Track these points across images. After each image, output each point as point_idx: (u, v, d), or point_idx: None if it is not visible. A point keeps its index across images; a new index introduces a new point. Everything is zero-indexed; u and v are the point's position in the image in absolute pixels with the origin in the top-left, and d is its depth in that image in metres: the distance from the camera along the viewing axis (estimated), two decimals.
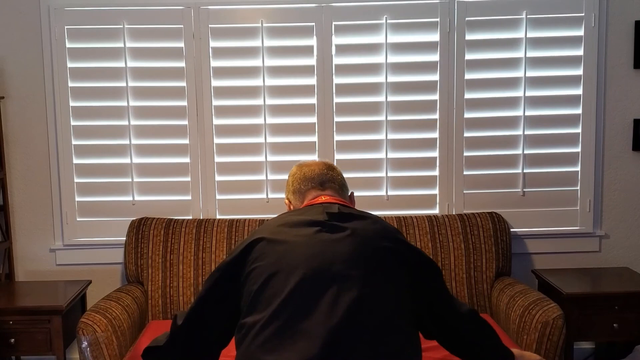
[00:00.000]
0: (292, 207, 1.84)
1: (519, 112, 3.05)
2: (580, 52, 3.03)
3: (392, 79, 3.02)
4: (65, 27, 2.99)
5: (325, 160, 1.93)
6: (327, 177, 1.83)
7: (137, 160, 3.06)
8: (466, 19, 3.00)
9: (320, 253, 1.52)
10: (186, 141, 3.05)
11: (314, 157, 3.05)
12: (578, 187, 3.10)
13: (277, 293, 1.47)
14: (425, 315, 1.62)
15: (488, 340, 1.69)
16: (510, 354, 1.70)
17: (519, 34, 3.02)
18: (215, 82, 3.03)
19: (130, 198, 3.07)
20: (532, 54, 3.02)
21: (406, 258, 1.58)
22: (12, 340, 2.62)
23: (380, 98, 3.03)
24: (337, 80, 3.02)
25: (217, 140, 3.06)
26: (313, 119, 3.04)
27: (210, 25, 3.00)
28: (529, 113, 3.05)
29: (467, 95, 3.04)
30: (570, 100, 3.06)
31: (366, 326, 1.43)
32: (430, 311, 1.62)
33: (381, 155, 3.05)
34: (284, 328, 1.42)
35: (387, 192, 3.07)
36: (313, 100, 3.03)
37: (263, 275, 1.51)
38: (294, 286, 1.46)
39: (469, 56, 3.02)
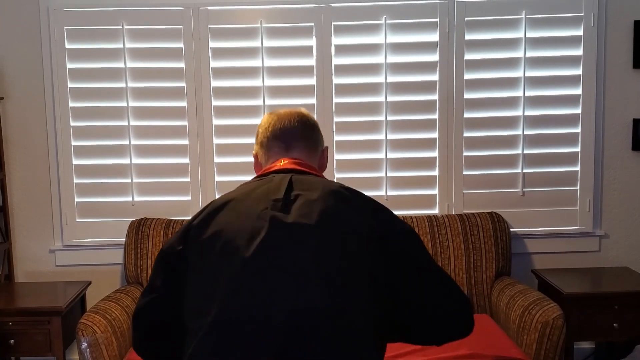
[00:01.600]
0: (258, 161, 1.68)
1: (518, 112, 3.05)
2: (579, 52, 3.03)
3: (392, 79, 3.02)
4: (65, 27, 2.99)
5: (299, 109, 1.70)
6: (297, 133, 1.62)
7: (136, 160, 3.05)
8: (465, 19, 3.00)
9: (266, 256, 1.32)
10: (186, 142, 3.05)
11: None
12: (578, 187, 3.10)
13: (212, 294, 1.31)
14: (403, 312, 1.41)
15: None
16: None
17: (519, 34, 3.02)
18: (215, 83, 3.03)
19: (129, 199, 3.07)
20: (531, 54, 3.02)
21: (369, 244, 1.37)
22: (12, 341, 2.62)
23: (380, 98, 3.03)
24: (337, 80, 3.02)
25: (216, 141, 3.06)
26: None
27: (209, 26, 3.00)
28: (528, 113, 3.05)
29: (467, 95, 3.04)
30: (570, 100, 3.06)
31: None
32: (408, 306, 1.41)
33: (381, 155, 3.05)
34: None
35: (386, 192, 3.07)
36: (312, 101, 3.03)
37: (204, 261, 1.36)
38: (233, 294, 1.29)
39: (468, 56, 3.02)
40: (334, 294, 1.29)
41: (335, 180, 1.62)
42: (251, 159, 3.23)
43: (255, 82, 3.02)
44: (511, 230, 3.02)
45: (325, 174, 1.68)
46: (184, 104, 3.04)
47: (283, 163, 1.59)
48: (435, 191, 3.09)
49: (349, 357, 1.28)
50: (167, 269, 1.45)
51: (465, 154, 3.07)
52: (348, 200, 1.44)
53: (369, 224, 1.40)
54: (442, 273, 1.47)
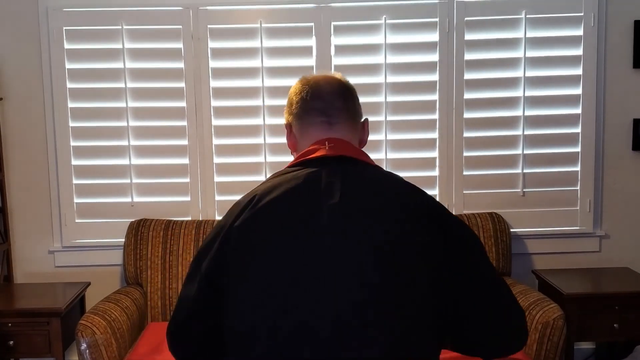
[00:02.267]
0: (293, 134, 1.47)
1: (518, 112, 3.04)
2: (579, 51, 3.02)
3: (392, 79, 3.02)
4: (64, 28, 2.98)
5: (337, 76, 1.52)
6: (339, 103, 1.44)
7: (135, 161, 3.05)
8: (465, 18, 3.00)
9: (313, 248, 1.23)
10: (185, 142, 3.05)
11: None
12: (578, 187, 3.09)
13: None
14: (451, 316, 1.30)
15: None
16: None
17: (519, 33, 3.02)
18: (214, 83, 3.02)
19: (129, 199, 3.06)
20: (531, 53, 3.02)
21: (423, 246, 1.25)
22: (11, 342, 2.61)
23: (380, 98, 3.02)
24: None
25: (216, 141, 3.05)
26: None
27: (209, 26, 2.99)
28: (528, 113, 3.04)
29: (467, 96, 3.04)
30: (570, 100, 3.05)
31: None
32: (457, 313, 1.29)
33: (381, 155, 3.05)
34: None
35: None
36: None
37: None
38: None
39: (468, 56, 3.02)
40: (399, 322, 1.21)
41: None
42: (251, 159, 3.23)
43: (255, 83, 3.01)
44: (511, 230, 3.02)
45: None
46: (183, 104, 3.03)
47: (328, 148, 1.38)
48: (436, 191, 3.09)
49: (410, 348, 1.21)
50: (207, 279, 1.30)
51: (465, 154, 3.07)
52: (413, 209, 1.29)
53: (434, 231, 1.27)
54: (502, 284, 1.34)
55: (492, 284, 1.32)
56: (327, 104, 1.43)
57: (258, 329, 1.22)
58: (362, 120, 1.53)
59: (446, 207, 1.37)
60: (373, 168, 1.42)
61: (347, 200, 1.27)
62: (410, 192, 1.33)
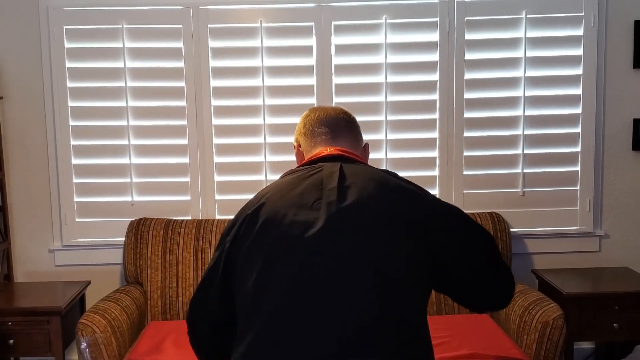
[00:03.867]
0: (300, 150, 1.70)
1: (518, 112, 3.04)
2: (579, 51, 3.02)
3: (392, 78, 3.02)
4: (64, 27, 2.98)
5: (341, 108, 1.74)
6: (342, 123, 1.66)
7: (136, 160, 3.05)
8: (466, 18, 3.00)
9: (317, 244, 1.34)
10: (185, 141, 3.05)
11: None
12: (578, 187, 3.10)
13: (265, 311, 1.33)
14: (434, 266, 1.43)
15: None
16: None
17: (519, 33, 3.02)
18: (215, 82, 3.02)
19: (129, 198, 3.06)
20: (531, 53, 3.02)
21: (418, 229, 1.39)
22: (11, 341, 2.62)
23: (380, 98, 3.02)
24: (337, 80, 3.02)
25: (216, 141, 3.05)
26: None
27: (209, 25, 3.00)
28: (528, 113, 3.04)
29: (467, 95, 3.04)
30: (570, 100, 3.05)
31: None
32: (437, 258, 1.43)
33: (381, 155, 3.05)
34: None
35: None
36: (312, 100, 3.03)
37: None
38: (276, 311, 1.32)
39: (468, 56, 3.02)
40: (385, 296, 1.32)
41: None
42: (251, 159, 3.24)
43: (255, 82, 3.01)
44: (511, 230, 3.02)
45: None
46: (183, 103, 3.03)
47: (330, 150, 1.59)
48: (436, 191, 3.09)
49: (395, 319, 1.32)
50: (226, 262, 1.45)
51: (465, 154, 3.07)
52: (401, 191, 1.45)
53: (423, 213, 1.42)
54: (490, 251, 1.50)
55: (480, 251, 1.49)
56: (332, 125, 1.66)
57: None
58: (363, 144, 1.72)
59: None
60: (371, 168, 1.54)
61: (344, 210, 1.38)
62: (404, 197, 1.45)
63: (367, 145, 1.73)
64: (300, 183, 1.46)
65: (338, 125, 1.65)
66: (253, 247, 1.39)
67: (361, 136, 1.72)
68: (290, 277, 1.33)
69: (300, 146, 1.71)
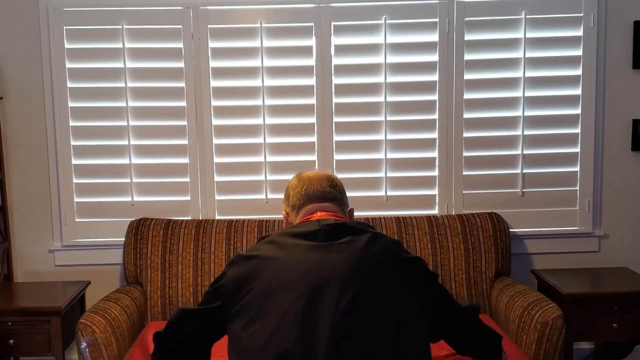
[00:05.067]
0: (289, 219, 1.83)
1: (518, 113, 3.05)
2: (579, 52, 3.03)
3: (392, 79, 3.02)
4: (64, 27, 2.99)
5: (327, 172, 1.89)
6: (328, 195, 1.79)
7: (136, 160, 3.05)
8: (465, 19, 3.00)
9: (315, 270, 1.49)
10: (185, 142, 3.05)
11: (313, 158, 3.05)
12: (577, 187, 3.10)
13: (275, 311, 1.45)
14: (433, 319, 1.63)
15: (486, 336, 1.76)
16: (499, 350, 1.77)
17: (518, 34, 3.02)
18: (214, 83, 3.03)
19: (129, 199, 3.07)
20: (531, 54, 3.02)
21: (407, 270, 1.57)
22: (11, 341, 2.62)
23: (380, 98, 3.03)
24: (337, 80, 3.02)
25: (216, 141, 3.05)
26: (312, 120, 3.04)
27: (209, 26, 3.00)
28: (528, 113, 3.05)
29: (466, 96, 3.04)
30: (570, 101, 3.06)
31: (370, 335, 1.42)
32: (436, 315, 1.64)
33: (380, 155, 3.05)
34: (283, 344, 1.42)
35: (386, 192, 3.07)
36: (312, 101, 3.03)
37: (259, 293, 1.50)
38: (291, 304, 1.45)
39: (468, 56, 3.02)
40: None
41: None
42: (251, 159, 3.24)
43: (255, 82, 3.02)
44: (511, 230, 3.02)
45: None
46: (183, 104, 3.04)
47: (320, 214, 1.73)
48: (435, 191, 3.09)
49: None
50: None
51: (464, 154, 3.07)
52: (392, 253, 1.59)
53: (414, 279, 1.57)
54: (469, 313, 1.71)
55: (450, 298, 1.69)
56: (318, 193, 1.79)
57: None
58: (349, 209, 1.86)
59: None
60: (360, 229, 1.65)
61: (344, 241, 1.56)
62: (389, 244, 1.61)
63: (351, 210, 1.87)
64: (296, 227, 1.64)
65: (324, 197, 1.78)
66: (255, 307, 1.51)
67: (347, 201, 1.86)
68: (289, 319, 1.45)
69: (288, 215, 1.83)
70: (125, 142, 3.04)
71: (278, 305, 1.45)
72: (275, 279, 1.49)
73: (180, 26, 3.00)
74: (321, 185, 1.80)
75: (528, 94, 3.04)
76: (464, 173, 3.08)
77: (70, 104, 3.03)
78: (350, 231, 1.60)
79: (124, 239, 2.96)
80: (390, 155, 3.05)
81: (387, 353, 1.41)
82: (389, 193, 3.08)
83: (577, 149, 3.08)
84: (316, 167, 3.03)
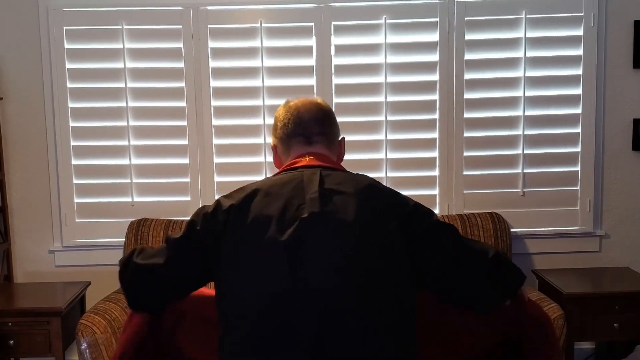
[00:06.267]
0: (278, 154, 1.72)
1: (518, 112, 3.04)
2: (579, 51, 3.03)
3: (392, 79, 3.02)
4: (64, 27, 2.99)
5: (316, 99, 1.73)
6: (316, 128, 1.66)
7: (136, 161, 3.05)
8: (465, 18, 3.00)
9: (298, 238, 1.40)
10: (185, 142, 3.05)
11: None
12: (578, 187, 3.10)
13: (248, 313, 1.40)
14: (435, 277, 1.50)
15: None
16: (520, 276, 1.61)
17: (519, 33, 3.02)
18: (214, 83, 3.02)
19: (129, 199, 3.06)
20: (531, 53, 3.02)
21: (394, 221, 1.46)
22: (11, 341, 2.62)
23: (380, 98, 3.02)
24: (337, 80, 3.02)
25: (216, 141, 3.05)
26: None
27: (209, 26, 3.00)
28: (528, 113, 3.04)
29: (467, 95, 3.04)
30: (570, 100, 3.05)
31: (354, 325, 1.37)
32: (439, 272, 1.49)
33: (381, 155, 3.05)
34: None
35: None
36: None
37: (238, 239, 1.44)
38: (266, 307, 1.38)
39: (468, 56, 3.02)
40: (363, 292, 1.39)
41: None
42: (251, 159, 3.24)
43: (255, 82, 3.02)
44: (511, 230, 3.02)
45: None
46: (183, 104, 3.03)
47: (308, 159, 1.63)
48: (436, 191, 3.09)
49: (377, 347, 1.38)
50: (196, 247, 1.50)
51: (465, 154, 3.07)
52: (379, 195, 1.52)
53: (401, 220, 1.48)
54: (474, 260, 1.51)
55: (465, 265, 1.51)
56: (307, 129, 1.67)
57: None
58: (340, 138, 1.76)
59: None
60: (347, 173, 1.61)
61: (326, 192, 1.47)
62: (379, 196, 1.52)
63: (343, 139, 1.77)
64: (282, 186, 1.51)
65: (312, 131, 1.67)
66: (242, 241, 1.44)
67: (337, 131, 1.75)
68: (271, 271, 1.40)
69: (277, 149, 1.72)
70: (125, 143, 3.03)
71: (259, 252, 1.41)
72: (258, 241, 1.42)
73: (180, 26, 3.00)
74: (309, 115, 1.67)
75: (528, 93, 3.03)
76: (465, 173, 3.08)
77: (70, 105, 3.02)
78: (333, 193, 1.48)
79: (124, 239, 2.95)
80: (391, 155, 3.05)
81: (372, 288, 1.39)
82: None
83: (578, 149, 3.07)
84: None
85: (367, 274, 1.40)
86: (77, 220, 3.08)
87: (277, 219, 1.43)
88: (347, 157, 3.03)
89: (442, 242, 1.50)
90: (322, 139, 1.68)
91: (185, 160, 3.06)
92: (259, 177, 3.02)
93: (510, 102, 3.04)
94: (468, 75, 3.03)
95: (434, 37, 3.01)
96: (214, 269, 1.49)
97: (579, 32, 3.02)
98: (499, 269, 1.54)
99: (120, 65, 3.00)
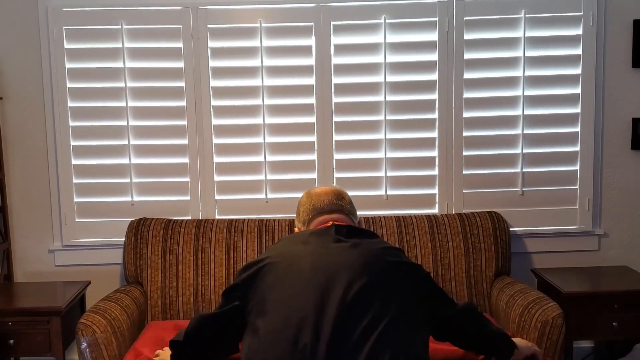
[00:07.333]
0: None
1: (517, 112, 3.05)
2: (578, 51, 3.03)
3: (391, 78, 3.02)
4: (64, 27, 2.99)
5: (334, 187, 2.03)
6: (337, 207, 1.93)
7: (135, 160, 3.05)
8: (465, 18, 3.00)
9: (325, 258, 1.65)
10: (185, 141, 3.05)
11: (312, 157, 3.05)
12: (577, 186, 3.10)
13: (284, 298, 1.61)
14: (432, 319, 1.77)
15: (487, 328, 1.88)
16: (511, 343, 1.89)
17: (518, 33, 3.02)
18: (214, 82, 3.03)
19: (129, 198, 3.07)
20: (530, 53, 3.02)
21: (409, 272, 1.73)
22: (11, 341, 2.62)
23: (379, 98, 3.03)
24: (336, 80, 3.02)
25: (215, 141, 3.06)
26: (312, 119, 3.04)
27: (208, 26, 3.00)
28: (527, 112, 3.05)
29: (466, 95, 3.04)
30: (569, 100, 3.06)
31: (373, 326, 1.55)
32: (435, 315, 1.78)
33: (380, 154, 3.05)
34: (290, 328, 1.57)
35: (386, 191, 3.07)
36: (312, 100, 3.03)
37: (272, 283, 1.66)
38: (300, 289, 1.59)
39: (467, 55, 3.02)
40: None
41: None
42: (251, 158, 3.24)
43: (255, 82, 3.02)
44: (511, 229, 3.02)
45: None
46: (183, 103, 3.04)
47: (332, 221, 1.87)
48: (435, 190, 3.09)
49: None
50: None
51: (464, 153, 3.07)
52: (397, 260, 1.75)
53: (418, 286, 1.74)
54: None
55: (447, 299, 1.85)
56: (327, 206, 1.93)
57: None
58: (357, 220, 2.00)
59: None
60: (370, 234, 1.85)
61: (355, 243, 1.72)
62: (390, 254, 1.75)
63: (360, 222, 2.01)
64: (312, 242, 1.76)
65: (334, 209, 1.92)
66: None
67: (355, 213, 1.99)
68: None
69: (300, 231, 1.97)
70: (125, 142, 3.04)
71: (289, 290, 1.60)
72: (287, 270, 1.65)
73: (180, 26, 3.00)
74: (329, 198, 1.94)
75: (528, 93, 3.04)
76: (464, 172, 3.08)
77: (70, 104, 3.03)
78: (361, 233, 1.77)
79: (124, 238, 2.96)
80: (390, 155, 3.05)
81: (384, 330, 1.56)
82: (389, 192, 3.08)
83: (577, 148, 3.08)
84: (316, 167, 3.03)
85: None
86: (77, 220, 3.08)
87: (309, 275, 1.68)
88: (347, 156, 3.06)
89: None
90: (342, 210, 1.94)
91: (185, 160, 3.06)
92: (259, 177, 3.05)
93: (510, 102, 3.05)
94: (467, 75, 3.03)
95: (433, 36, 3.02)
96: None
97: (578, 31, 3.02)
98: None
99: (120, 64, 3.00)
